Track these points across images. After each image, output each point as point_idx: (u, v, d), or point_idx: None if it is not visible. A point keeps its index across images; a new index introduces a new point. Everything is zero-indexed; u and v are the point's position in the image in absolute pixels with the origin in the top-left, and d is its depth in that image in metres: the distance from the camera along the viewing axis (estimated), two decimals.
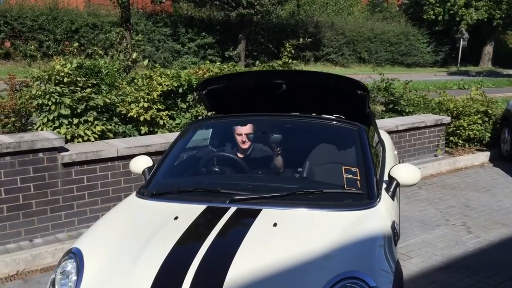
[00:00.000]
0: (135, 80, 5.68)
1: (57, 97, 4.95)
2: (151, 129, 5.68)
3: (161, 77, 5.84)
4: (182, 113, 5.97)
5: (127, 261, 2.36)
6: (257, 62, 7.19)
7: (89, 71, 5.51)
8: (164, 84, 5.67)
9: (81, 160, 4.68)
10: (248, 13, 20.37)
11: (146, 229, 2.59)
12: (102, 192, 4.85)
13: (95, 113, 5.22)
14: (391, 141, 4.92)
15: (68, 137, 5.05)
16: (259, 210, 2.66)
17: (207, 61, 6.84)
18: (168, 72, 5.97)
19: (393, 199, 3.07)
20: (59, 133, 5.03)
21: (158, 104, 5.68)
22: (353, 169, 3.02)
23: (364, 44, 27.83)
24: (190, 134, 3.58)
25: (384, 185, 3.11)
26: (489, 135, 8.14)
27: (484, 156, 8.08)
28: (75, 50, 6.09)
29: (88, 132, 5.12)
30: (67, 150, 4.68)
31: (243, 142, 3.54)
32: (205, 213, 2.68)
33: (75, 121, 5.11)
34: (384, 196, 2.97)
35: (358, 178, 2.98)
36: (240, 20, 21.19)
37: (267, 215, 2.62)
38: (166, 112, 5.74)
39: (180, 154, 3.52)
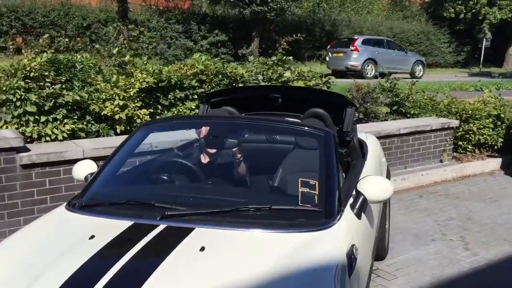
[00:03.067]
0: (110, 76, 5.33)
1: (22, 93, 4.63)
2: (129, 128, 5.33)
3: (141, 73, 5.49)
4: (165, 111, 5.60)
5: (22, 285, 2.00)
6: (251, 57, 6.78)
7: (62, 66, 5.17)
8: (143, 81, 5.31)
9: (42, 161, 4.35)
10: (262, 11, 19.95)
11: (57, 248, 2.22)
12: (66, 196, 4.48)
13: (64, 111, 4.89)
14: (379, 146, 4.46)
15: (35, 136, 4.73)
16: (191, 230, 2.26)
17: (219, 59, 6.47)
18: (150, 68, 5.61)
19: (359, 217, 2.65)
20: (25, 131, 4.72)
21: (136, 102, 5.32)
22: (312, 182, 2.60)
23: None
24: (140, 136, 3.19)
25: (351, 200, 2.68)
26: (502, 140, 7.58)
27: (495, 163, 7.53)
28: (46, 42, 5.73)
29: (56, 131, 4.80)
30: (28, 151, 4.36)
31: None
32: (128, 231, 2.30)
33: (43, 119, 4.79)
34: (348, 214, 2.55)
35: (317, 192, 2.56)
36: (254, 17, 20.80)
37: (198, 236, 2.22)
38: (145, 110, 5.38)
39: (126, 159, 3.13)
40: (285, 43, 7.11)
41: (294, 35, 7.91)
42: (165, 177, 2.98)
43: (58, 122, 4.85)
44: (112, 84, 5.25)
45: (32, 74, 4.70)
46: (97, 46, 8.20)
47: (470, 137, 7.47)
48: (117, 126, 5.24)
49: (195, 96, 5.68)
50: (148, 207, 2.47)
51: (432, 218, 5.37)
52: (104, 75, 5.38)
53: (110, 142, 4.78)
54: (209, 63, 5.96)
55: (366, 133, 4.56)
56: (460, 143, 7.54)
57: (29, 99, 4.65)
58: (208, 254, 2.09)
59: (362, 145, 3.95)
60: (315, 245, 2.22)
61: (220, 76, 5.91)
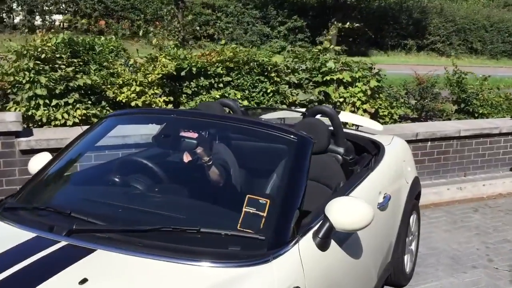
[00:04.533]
0: (129, 61, 5.03)
1: (32, 75, 4.46)
2: None
3: (165, 59, 5.15)
4: (189, 101, 5.23)
5: None
6: (325, 42, 6.12)
7: (81, 48, 4.95)
8: (162, 66, 4.96)
9: (41, 147, 4.12)
10: None
11: None
12: None
13: (77, 95, 4.67)
14: (406, 152, 3.77)
15: (44, 120, 4.56)
16: (91, 251, 1.85)
17: (297, 46, 6.01)
18: (179, 53, 5.24)
19: (323, 248, 2.09)
20: (35, 115, 4.57)
21: (155, 89, 5.00)
22: (262, 201, 2.07)
23: (478, 33, 24.95)
24: (104, 128, 2.81)
25: (316, 227, 2.12)
26: None
27: None
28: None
29: (67, 116, 4.59)
30: (29, 135, 4.18)
31: None
32: (22, 246, 1.93)
33: (54, 102, 4.60)
34: (305, 245, 2.00)
35: (265, 214, 2.03)
36: (334, 3, 19.94)
37: (91, 262, 1.80)
38: (165, 98, 5.04)
39: (82, 154, 2.78)
40: (335, 30, 6.43)
41: (348, 23, 7.18)
42: (117, 179, 2.58)
43: (70, 106, 4.64)
44: (131, 68, 4.95)
45: (43, 56, 4.51)
46: (151, 29, 7.98)
47: None
48: None
49: (221, 85, 5.25)
50: (63, 216, 2.09)
51: (481, 239, 4.56)
52: (128, 58, 5.08)
53: (121, 131, 4.48)
54: (242, 49, 5.49)
55: (394, 135, 3.89)
56: None
57: (39, 82, 4.47)
58: None
59: (378, 150, 3.31)
60: (238, 286, 1.72)
61: (251, 64, 5.42)
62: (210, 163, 2.55)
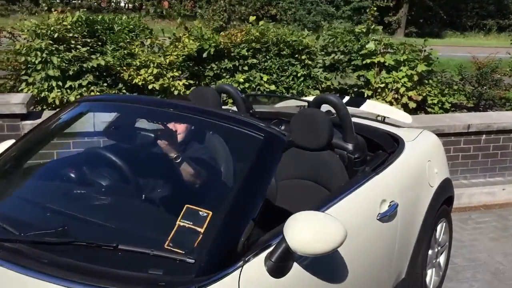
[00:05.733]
0: (146, 41, 4.73)
1: (45, 55, 4.29)
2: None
3: (188, 39, 4.82)
4: (212, 84, 4.89)
5: None
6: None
7: (99, 27, 4.73)
8: (182, 48, 4.64)
9: None
10: None
11: None
12: None
13: (91, 77, 4.47)
14: (437, 150, 3.21)
15: (57, 102, 4.40)
16: None
17: (362, 27, 5.53)
18: (201, 33, 4.90)
19: (277, 275, 1.67)
20: (48, 97, 4.42)
21: (174, 71, 4.69)
22: (202, 213, 1.69)
23: None
24: (72, 115, 2.50)
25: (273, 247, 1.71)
26: None
27: None
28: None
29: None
30: (35, 118, 4.02)
31: None
32: None
33: (67, 84, 4.43)
34: (250, 270, 1.60)
35: (202, 230, 1.64)
36: None
37: None
38: (184, 81, 4.73)
39: (44, 144, 2.50)
40: (375, 9, 5.82)
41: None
42: (72, 175, 2.27)
43: (84, 89, 4.44)
44: (149, 49, 4.67)
45: (56, 35, 4.32)
46: (199, 11, 7.70)
47: None
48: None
49: (245, 68, 4.85)
50: None
51: None
52: (146, 38, 4.80)
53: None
54: (271, 28, 5.05)
55: (424, 129, 3.34)
56: None
57: (52, 62, 4.30)
58: None
59: (395, 147, 2.80)
60: None
61: (281, 45, 4.97)
62: (179, 160, 2.17)
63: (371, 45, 5.16)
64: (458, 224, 4.19)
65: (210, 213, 1.68)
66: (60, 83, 4.39)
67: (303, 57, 4.97)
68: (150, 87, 4.60)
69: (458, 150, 4.96)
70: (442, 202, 3.09)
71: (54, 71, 4.32)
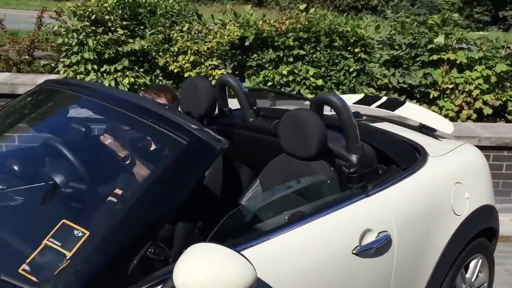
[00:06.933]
0: (184, 26, 4.46)
1: (81, 37, 4.22)
2: None
3: (233, 26, 4.52)
4: (254, 75, 4.53)
5: None
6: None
7: (142, 11, 4.57)
8: (222, 35, 4.35)
9: None
10: None
11: None
12: None
13: (126, 62, 4.33)
14: (477, 168, 2.60)
15: None
16: None
17: (436, 17, 4.92)
18: (247, 19, 4.57)
19: None
20: (83, 80, 4.35)
21: (214, 59, 4.41)
22: (77, 232, 1.37)
23: None
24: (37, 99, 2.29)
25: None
26: None
27: None
28: None
29: (114, 84, 4.29)
30: None
31: None
32: None
33: (103, 68, 4.33)
34: None
35: (70, 254, 1.33)
36: None
37: None
38: (223, 71, 4.43)
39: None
40: None
41: None
42: (16, 167, 2.04)
43: (119, 73, 4.32)
44: (189, 35, 4.43)
45: (94, 17, 4.22)
46: None
47: None
48: None
49: (290, 59, 4.43)
50: None
51: None
52: (188, 23, 4.54)
53: None
54: (325, 14, 4.56)
55: (466, 142, 2.73)
56: None
57: (87, 44, 4.22)
58: None
59: (411, 163, 2.27)
60: None
61: (333, 35, 4.47)
62: (128, 161, 1.88)
63: (440, 39, 4.47)
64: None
65: (87, 233, 1.36)
66: (96, 66, 4.30)
67: (357, 50, 4.42)
68: (186, 75, 4.37)
69: None
70: (475, 234, 2.50)
71: (90, 53, 4.23)
